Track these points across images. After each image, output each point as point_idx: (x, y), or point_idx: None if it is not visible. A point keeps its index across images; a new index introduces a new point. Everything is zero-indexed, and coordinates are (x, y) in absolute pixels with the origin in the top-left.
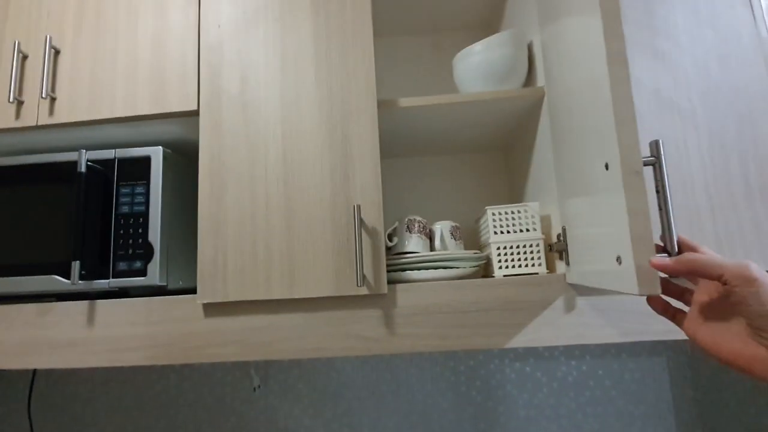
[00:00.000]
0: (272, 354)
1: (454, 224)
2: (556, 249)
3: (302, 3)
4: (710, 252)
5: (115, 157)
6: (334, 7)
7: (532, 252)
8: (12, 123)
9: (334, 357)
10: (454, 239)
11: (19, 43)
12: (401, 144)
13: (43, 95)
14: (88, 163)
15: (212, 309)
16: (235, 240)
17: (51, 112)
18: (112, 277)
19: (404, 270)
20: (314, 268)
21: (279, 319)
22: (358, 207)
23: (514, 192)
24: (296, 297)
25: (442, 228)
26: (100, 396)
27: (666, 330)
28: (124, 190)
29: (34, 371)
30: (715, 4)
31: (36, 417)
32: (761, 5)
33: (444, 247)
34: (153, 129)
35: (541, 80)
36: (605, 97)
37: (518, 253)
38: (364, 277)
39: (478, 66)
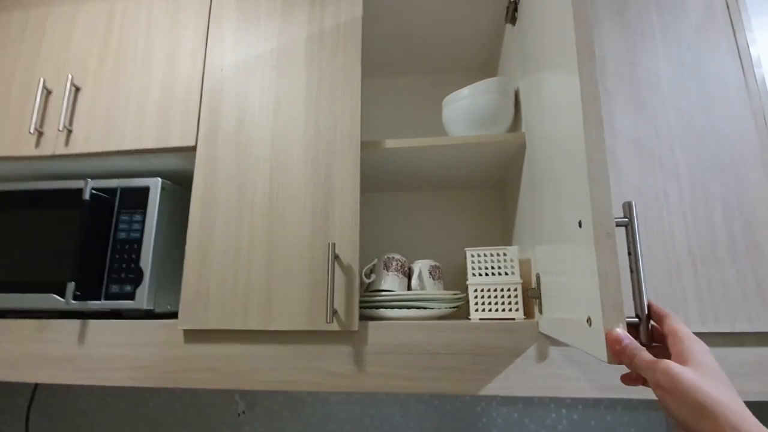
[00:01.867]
0: (245, 383)
1: (434, 263)
2: (532, 295)
3: (298, 51)
4: (678, 322)
5: (118, 187)
6: (327, 54)
7: (509, 296)
8: (32, 151)
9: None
10: (433, 279)
11: (44, 80)
12: (389, 181)
13: (60, 128)
14: (93, 191)
15: (192, 335)
16: (219, 270)
17: (67, 143)
18: (104, 299)
19: (378, 308)
20: (290, 301)
21: (254, 350)
22: (333, 245)
23: (506, 232)
24: (271, 329)
25: (421, 267)
26: (97, 410)
27: (645, 389)
28: (123, 218)
29: (36, 385)
30: (701, 55)
31: (33, 428)
32: (750, 56)
33: (422, 286)
34: (157, 161)
35: (525, 125)
36: (580, 157)
37: (495, 297)
38: (335, 312)
39: (464, 110)
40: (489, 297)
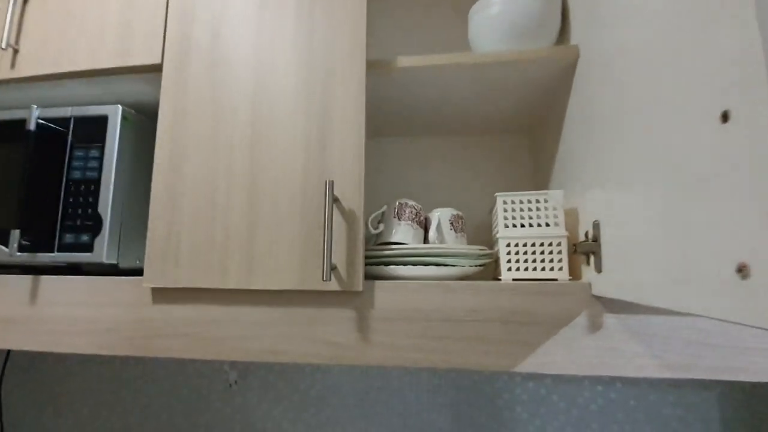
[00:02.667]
0: (224, 353)
1: (456, 213)
2: (583, 250)
3: None
4: None
5: (71, 116)
6: None
7: (551, 252)
8: None
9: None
10: (455, 231)
11: None
12: (400, 120)
13: (3, 46)
14: (40, 121)
15: (161, 295)
16: (192, 217)
17: (13, 65)
18: (58, 251)
19: (387, 264)
20: (278, 254)
21: (234, 313)
22: (331, 183)
23: (538, 181)
24: (254, 288)
25: (440, 216)
26: (76, 376)
27: (725, 367)
28: (77, 153)
29: (8, 351)
30: None
31: (8, 396)
32: None
33: (441, 239)
34: (121, 88)
35: (576, 38)
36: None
37: (533, 253)
38: (333, 269)
39: (497, 19)
40: (525, 253)
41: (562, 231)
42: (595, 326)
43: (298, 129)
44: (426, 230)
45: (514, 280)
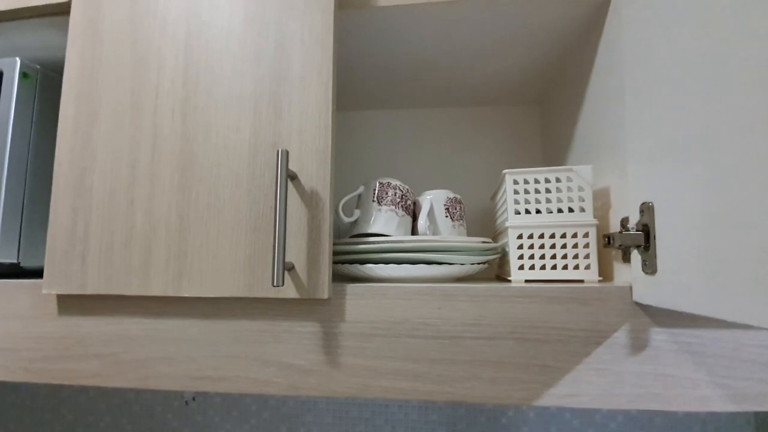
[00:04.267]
0: (147, 380)
1: (452, 196)
2: (623, 243)
3: None
4: None
5: None
6: None
7: (576, 246)
8: None
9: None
10: (452, 219)
11: None
12: (380, 84)
13: None
14: None
15: (68, 304)
16: (104, 200)
17: None
18: None
19: (363, 262)
20: (217, 251)
21: (160, 328)
22: (285, 153)
23: (549, 161)
24: (186, 295)
25: (432, 200)
26: (9, 393)
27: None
28: None
29: None
30: None
31: None
32: None
33: (434, 229)
34: (25, 40)
35: None
36: None
37: (552, 246)
38: (289, 269)
39: None
40: (542, 247)
41: (590, 218)
42: (639, 345)
43: (246, 82)
44: (414, 218)
45: (526, 281)
